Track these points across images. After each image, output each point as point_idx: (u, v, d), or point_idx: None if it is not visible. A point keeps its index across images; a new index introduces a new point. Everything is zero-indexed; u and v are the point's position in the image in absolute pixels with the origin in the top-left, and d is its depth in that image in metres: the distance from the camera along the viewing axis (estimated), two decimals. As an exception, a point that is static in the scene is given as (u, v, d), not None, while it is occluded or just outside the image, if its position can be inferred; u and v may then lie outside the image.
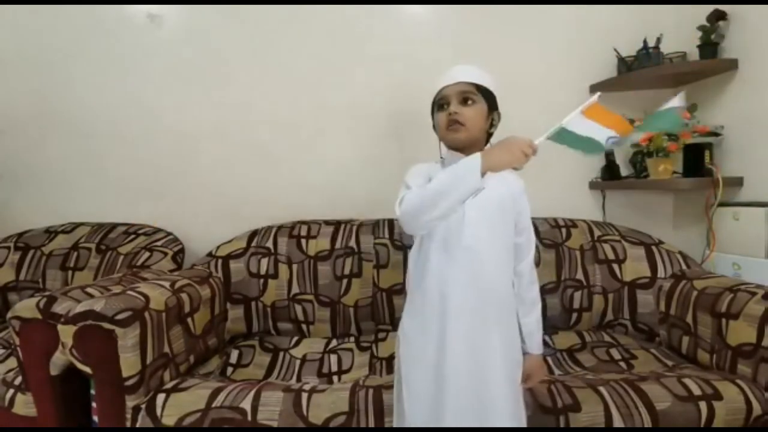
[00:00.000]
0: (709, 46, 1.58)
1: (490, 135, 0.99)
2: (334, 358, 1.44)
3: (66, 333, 1.10)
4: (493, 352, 0.88)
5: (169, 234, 1.76)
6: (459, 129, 0.91)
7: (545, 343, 1.48)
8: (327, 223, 1.72)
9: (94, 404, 1.17)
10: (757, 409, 1.05)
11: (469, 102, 0.92)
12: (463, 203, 0.81)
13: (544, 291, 1.58)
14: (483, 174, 0.76)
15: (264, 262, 1.63)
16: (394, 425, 0.98)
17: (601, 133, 0.84)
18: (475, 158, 0.77)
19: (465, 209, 0.88)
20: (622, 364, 1.34)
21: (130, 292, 1.18)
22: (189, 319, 1.32)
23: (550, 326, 1.59)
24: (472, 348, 0.88)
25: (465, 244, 0.88)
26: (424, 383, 0.90)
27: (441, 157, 1.00)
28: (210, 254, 1.65)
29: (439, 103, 0.96)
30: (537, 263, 1.58)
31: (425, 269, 0.92)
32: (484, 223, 0.90)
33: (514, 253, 0.96)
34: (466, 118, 0.91)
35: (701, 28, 1.58)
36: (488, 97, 0.95)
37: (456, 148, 0.95)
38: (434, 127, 1.00)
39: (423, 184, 0.87)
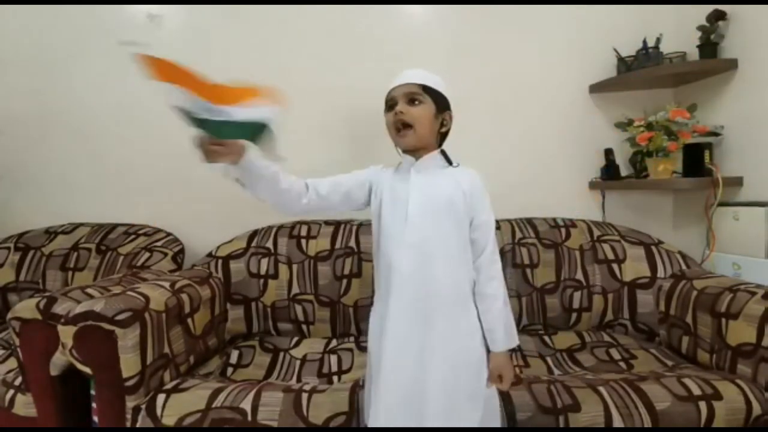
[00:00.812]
0: (709, 46, 1.58)
1: (443, 135, 1.02)
2: (334, 358, 1.44)
3: (66, 333, 1.10)
4: (434, 351, 0.90)
5: (169, 234, 1.77)
6: (407, 134, 0.95)
7: (544, 343, 1.49)
8: (327, 223, 1.72)
9: (94, 404, 1.17)
10: (757, 409, 1.05)
11: (416, 102, 0.96)
12: (255, 189, 0.94)
13: (544, 291, 1.59)
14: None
15: (264, 262, 1.63)
16: None
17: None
18: None
19: (408, 208, 0.92)
20: (622, 364, 1.34)
21: (130, 293, 1.18)
22: (189, 320, 1.32)
23: (549, 326, 1.59)
24: (407, 346, 0.90)
25: (408, 243, 0.91)
26: (371, 379, 0.97)
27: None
28: (210, 254, 1.66)
29: (389, 104, 1.00)
30: (536, 263, 1.60)
31: (378, 268, 0.96)
32: (430, 222, 0.92)
33: (471, 250, 0.96)
34: (412, 118, 0.95)
35: (701, 28, 1.58)
36: (436, 98, 0.98)
37: (407, 151, 0.99)
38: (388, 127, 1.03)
39: (337, 182, 1.04)
